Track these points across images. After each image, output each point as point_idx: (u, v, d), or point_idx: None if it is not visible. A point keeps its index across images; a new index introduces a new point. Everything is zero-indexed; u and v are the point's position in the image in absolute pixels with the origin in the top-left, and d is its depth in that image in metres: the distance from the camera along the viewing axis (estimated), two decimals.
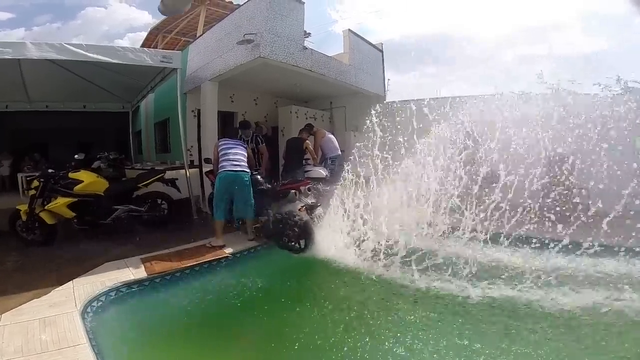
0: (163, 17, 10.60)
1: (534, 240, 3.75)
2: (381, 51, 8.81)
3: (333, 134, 8.20)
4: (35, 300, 2.77)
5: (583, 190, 5.13)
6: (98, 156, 9.14)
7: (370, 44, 8.38)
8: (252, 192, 4.31)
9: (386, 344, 2.41)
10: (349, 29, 7.48)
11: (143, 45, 12.47)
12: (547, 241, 3.61)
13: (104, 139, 10.82)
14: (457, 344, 2.37)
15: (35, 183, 4.43)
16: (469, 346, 2.32)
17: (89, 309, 2.76)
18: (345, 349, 2.36)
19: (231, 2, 9.66)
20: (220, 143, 4.49)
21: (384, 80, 8.87)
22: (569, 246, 3.29)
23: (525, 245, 3.77)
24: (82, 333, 2.32)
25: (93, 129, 10.53)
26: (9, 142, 9.92)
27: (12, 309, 2.62)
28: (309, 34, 10.72)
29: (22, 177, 8.33)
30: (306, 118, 8.16)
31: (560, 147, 4.69)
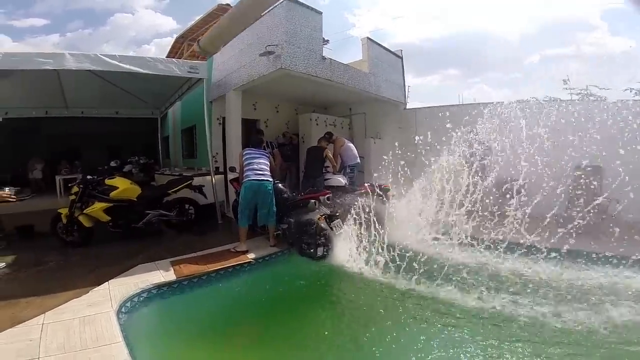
0: (187, 24, 11.02)
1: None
2: (400, 57, 8.83)
3: (352, 140, 8.34)
4: (74, 299, 2.99)
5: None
6: (129, 160, 9.65)
7: (389, 50, 8.43)
8: (274, 200, 4.50)
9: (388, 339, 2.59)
10: (368, 37, 7.56)
11: (170, 53, 13.01)
12: None
13: (133, 143, 11.36)
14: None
15: (75, 189, 4.78)
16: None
17: (123, 309, 2.97)
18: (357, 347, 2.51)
19: None
20: (244, 152, 4.70)
21: (404, 86, 8.88)
22: None
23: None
24: (118, 332, 2.50)
25: (124, 134, 11.09)
26: (45, 146, 10.57)
27: (54, 307, 2.83)
28: (327, 41, 10.85)
29: (59, 179, 8.94)
30: (326, 125, 8.30)
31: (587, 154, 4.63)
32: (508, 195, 4.27)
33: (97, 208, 4.63)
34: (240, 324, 3.06)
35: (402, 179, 5.07)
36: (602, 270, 3.55)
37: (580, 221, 3.57)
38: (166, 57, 13.09)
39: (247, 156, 4.61)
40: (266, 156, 4.70)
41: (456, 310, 2.98)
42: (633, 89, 8.68)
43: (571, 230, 3.55)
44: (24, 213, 5.61)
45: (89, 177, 4.84)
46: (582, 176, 5.19)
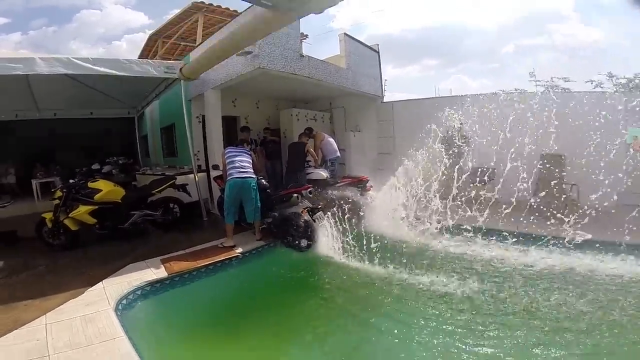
0: (161, 19, 10.84)
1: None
2: (377, 52, 9.07)
3: (334, 134, 8.58)
4: (72, 300, 3.10)
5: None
6: (107, 161, 9.54)
7: (366, 45, 8.64)
8: (258, 195, 4.69)
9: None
10: (345, 33, 7.74)
11: (143, 51, 12.71)
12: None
13: (110, 144, 11.17)
14: None
15: (59, 193, 4.80)
16: None
17: (120, 306, 3.11)
18: (338, 332, 2.82)
19: (228, 9, 9.88)
20: (226, 151, 4.87)
21: (381, 80, 9.15)
22: None
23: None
24: (119, 327, 2.66)
25: (99, 134, 10.86)
26: (17, 150, 10.25)
27: (53, 309, 2.93)
28: (306, 35, 11.00)
29: (36, 183, 8.77)
30: (307, 120, 8.48)
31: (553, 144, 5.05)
32: (477, 179, 4.66)
33: (83, 211, 4.68)
34: (232, 314, 3.28)
35: (381, 169, 5.36)
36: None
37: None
38: (140, 55, 12.84)
39: (229, 155, 4.77)
40: (247, 154, 4.88)
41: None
42: (594, 81, 9.32)
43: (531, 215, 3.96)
44: (2, 219, 5.57)
45: (71, 181, 4.87)
46: (546, 164, 5.65)
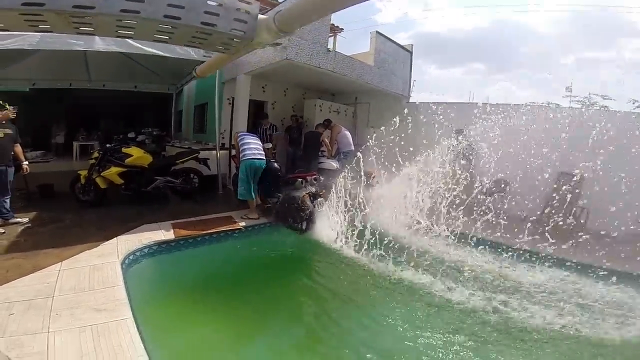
0: None
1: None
2: (410, 52, 9.05)
3: (355, 129, 8.71)
4: (87, 251, 3.49)
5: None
6: (142, 131, 10.24)
7: (398, 45, 8.64)
8: (270, 177, 5.07)
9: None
10: (377, 31, 7.80)
11: None
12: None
13: (148, 116, 11.97)
14: None
15: (96, 154, 5.40)
16: None
17: (126, 261, 3.48)
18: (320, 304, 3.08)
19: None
20: (240, 135, 5.27)
21: (410, 81, 9.12)
22: None
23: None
24: (120, 278, 2.99)
25: (140, 107, 11.68)
26: (66, 114, 11.20)
27: (69, 257, 3.30)
28: (342, 29, 11.08)
29: (77, 145, 9.62)
30: (330, 112, 8.66)
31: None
32: (485, 192, 4.67)
33: (113, 172, 5.22)
34: (224, 280, 3.60)
35: (392, 166, 5.46)
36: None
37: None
38: None
39: (244, 138, 5.16)
40: (257, 137, 5.32)
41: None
42: (636, 100, 8.76)
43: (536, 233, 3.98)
44: (44, 173, 6.18)
45: (108, 145, 5.40)
46: (564, 183, 5.49)
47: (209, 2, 2.95)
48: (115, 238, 3.87)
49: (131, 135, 9.07)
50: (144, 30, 3.11)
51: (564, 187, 5.23)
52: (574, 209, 5.37)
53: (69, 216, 4.71)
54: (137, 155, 5.48)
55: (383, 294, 3.33)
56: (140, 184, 5.49)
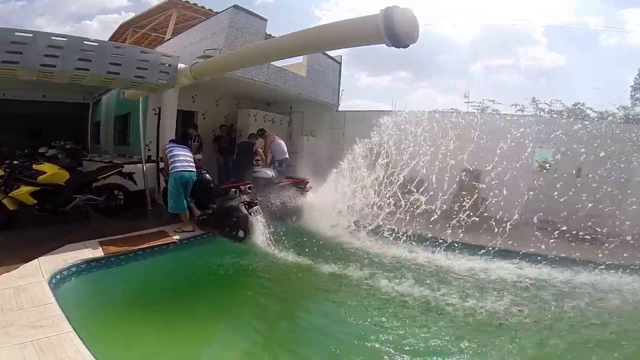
0: (139, 3, 10.76)
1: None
2: (339, 63, 9.72)
3: (291, 137, 9.03)
4: (5, 274, 3.19)
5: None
6: (52, 145, 9.29)
7: (329, 56, 9.22)
8: (202, 188, 5.05)
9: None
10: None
11: (111, 38, 12.47)
12: None
13: (59, 128, 10.83)
14: None
15: (1, 172, 4.81)
16: None
17: (54, 280, 3.27)
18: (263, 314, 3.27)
19: (203, 7, 10.07)
20: (168, 146, 5.18)
21: (339, 90, 9.77)
22: None
23: None
24: (51, 296, 2.85)
25: (48, 118, 10.52)
26: None
27: None
28: None
29: None
30: (264, 121, 8.86)
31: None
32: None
33: (24, 192, 4.73)
34: (161, 294, 3.58)
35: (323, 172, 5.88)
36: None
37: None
38: (109, 39, 12.56)
39: (172, 149, 5.07)
40: (187, 148, 5.29)
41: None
42: (519, 104, 10.56)
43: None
44: None
45: (15, 162, 4.90)
46: (464, 179, 6.43)
47: (138, 59, 4.18)
48: (36, 259, 3.58)
49: (42, 150, 8.21)
50: (92, 80, 4.39)
51: (466, 182, 6.18)
52: (475, 199, 6.28)
53: None
54: (51, 172, 5.04)
55: (317, 290, 3.65)
56: (57, 204, 5.07)
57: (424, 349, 2.72)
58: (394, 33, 2.27)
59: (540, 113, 10.47)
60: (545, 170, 7.18)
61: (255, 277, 4.00)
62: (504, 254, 4.53)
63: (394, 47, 2.37)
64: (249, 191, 5.08)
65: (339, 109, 9.80)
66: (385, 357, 2.56)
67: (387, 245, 4.82)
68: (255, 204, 4.95)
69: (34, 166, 4.98)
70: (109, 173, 5.55)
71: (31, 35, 3.61)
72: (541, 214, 5.42)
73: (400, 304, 3.37)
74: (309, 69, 8.23)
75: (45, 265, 3.46)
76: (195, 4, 10.03)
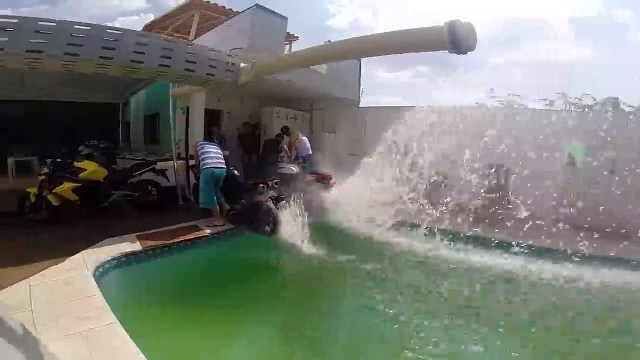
0: (157, 4, 11.08)
1: None
2: (359, 60, 9.67)
3: (312, 134, 9.11)
4: (53, 267, 3.44)
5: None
6: (87, 143, 9.74)
7: None
8: (230, 184, 5.21)
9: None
10: (329, 40, 8.26)
11: None
12: None
13: (91, 127, 11.33)
14: None
15: (45, 170, 5.14)
16: None
17: (97, 273, 3.49)
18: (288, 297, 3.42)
19: (223, 7, 10.28)
20: (199, 144, 5.34)
21: (359, 86, 9.75)
22: None
23: None
24: (95, 288, 3.06)
25: (82, 118, 11.01)
26: None
27: (36, 273, 3.25)
28: (297, 37, 11.50)
29: (12, 161, 8.90)
30: (287, 118, 8.99)
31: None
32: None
33: (67, 188, 5.05)
34: (194, 285, 3.80)
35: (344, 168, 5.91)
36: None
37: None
38: None
39: (204, 147, 5.25)
40: (218, 145, 5.44)
41: None
42: (547, 98, 10.14)
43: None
44: None
45: (58, 160, 5.21)
46: (493, 174, 6.31)
47: (209, 57, 4.52)
48: (80, 253, 3.82)
49: (80, 148, 8.63)
50: (171, 76, 4.77)
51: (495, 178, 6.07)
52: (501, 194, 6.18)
53: (22, 236, 4.51)
54: (91, 169, 5.35)
55: (342, 284, 3.71)
56: (97, 199, 5.36)
57: None
58: (458, 43, 2.71)
59: (570, 107, 10.03)
60: (576, 166, 6.94)
61: (282, 271, 4.13)
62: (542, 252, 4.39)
63: (455, 54, 2.82)
64: (276, 187, 5.21)
65: (360, 106, 9.78)
66: None
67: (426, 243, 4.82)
68: (282, 199, 5.07)
69: (75, 164, 5.29)
70: (144, 170, 5.83)
71: (120, 32, 3.97)
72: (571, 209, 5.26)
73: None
74: (329, 66, 8.25)
75: (89, 259, 3.68)
76: (216, 4, 10.25)
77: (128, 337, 2.34)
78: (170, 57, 4.18)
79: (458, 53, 2.79)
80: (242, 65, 4.81)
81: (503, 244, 4.58)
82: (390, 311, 3.12)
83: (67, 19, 3.72)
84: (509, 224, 4.87)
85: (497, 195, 5.76)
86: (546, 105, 10.47)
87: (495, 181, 6.37)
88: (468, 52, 2.80)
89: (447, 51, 2.84)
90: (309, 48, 4.28)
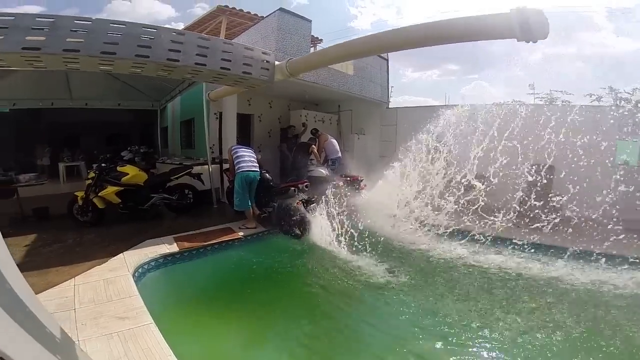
0: (186, 13, 11.45)
1: None
2: (386, 59, 9.53)
3: (340, 136, 9.08)
4: (97, 267, 3.66)
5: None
6: (129, 149, 10.31)
7: None
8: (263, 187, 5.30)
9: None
10: None
11: None
12: None
13: (133, 133, 12.01)
14: None
15: (92, 174, 5.50)
16: None
17: (137, 273, 3.68)
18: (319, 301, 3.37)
19: (249, 12, 10.50)
20: (234, 148, 5.47)
21: (388, 87, 9.60)
22: None
23: None
24: (134, 289, 3.20)
25: (123, 124, 11.71)
26: (46, 135, 11.07)
27: (81, 273, 3.47)
28: (321, 40, 11.52)
29: (62, 166, 9.58)
30: (315, 121, 9.02)
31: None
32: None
33: (110, 191, 5.36)
34: (229, 285, 3.87)
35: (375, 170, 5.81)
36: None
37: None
38: None
39: (238, 151, 5.37)
40: (251, 150, 5.53)
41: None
42: (593, 94, 9.49)
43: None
44: (33, 197, 6.25)
45: (103, 164, 5.54)
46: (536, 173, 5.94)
47: (244, 55, 4.34)
48: (122, 254, 4.04)
49: (123, 153, 9.17)
50: (207, 75, 4.49)
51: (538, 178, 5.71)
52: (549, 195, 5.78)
53: (70, 237, 4.80)
54: (132, 173, 5.64)
55: (370, 292, 3.64)
56: (137, 202, 5.65)
57: None
58: (529, 30, 2.55)
59: (620, 103, 9.28)
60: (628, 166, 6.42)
61: (313, 274, 4.10)
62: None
63: (524, 42, 2.65)
64: (306, 189, 5.24)
65: (390, 106, 9.62)
66: None
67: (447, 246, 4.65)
68: (313, 202, 5.10)
69: (117, 168, 5.59)
70: (182, 174, 6.05)
71: (156, 30, 3.85)
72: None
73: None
74: (356, 67, 8.20)
75: (129, 259, 3.88)
76: (242, 10, 10.50)
77: (162, 337, 2.43)
78: (205, 56, 4.01)
79: (528, 41, 2.64)
80: (276, 63, 4.60)
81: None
82: None
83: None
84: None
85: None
86: (593, 100, 9.80)
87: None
88: (539, 41, 2.63)
89: (515, 39, 2.64)
90: (349, 41, 3.93)
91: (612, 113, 6.15)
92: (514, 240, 4.54)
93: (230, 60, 4.17)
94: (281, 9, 6.19)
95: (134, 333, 2.48)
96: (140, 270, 3.79)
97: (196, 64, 3.94)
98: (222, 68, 4.14)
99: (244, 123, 8.86)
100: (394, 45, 3.66)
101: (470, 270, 4.08)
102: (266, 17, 6.73)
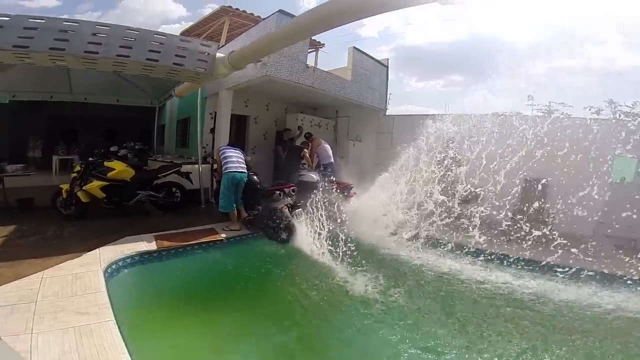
0: (196, 13, 11.52)
1: None
2: (386, 67, 9.49)
3: (336, 142, 9.01)
4: (69, 261, 3.57)
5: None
6: (124, 145, 10.28)
7: (375, 60, 9.06)
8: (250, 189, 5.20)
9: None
10: (354, 47, 8.19)
11: None
12: None
13: (130, 129, 11.98)
14: None
15: (78, 167, 5.45)
16: None
17: (109, 270, 3.56)
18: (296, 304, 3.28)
19: (252, 14, 10.53)
20: (222, 149, 5.40)
21: (386, 94, 9.54)
22: None
23: None
24: (102, 284, 3.10)
25: (121, 120, 11.68)
26: (45, 127, 11.06)
27: (52, 266, 3.39)
28: (323, 44, 11.51)
29: (56, 159, 9.53)
30: (311, 125, 8.95)
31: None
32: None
33: (95, 186, 5.29)
34: (205, 288, 3.73)
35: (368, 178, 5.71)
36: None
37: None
38: None
39: (225, 152, 5.29)
40: (240, 151, 5.45)
41: None
42: (592, 107, 9.42)
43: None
44: (22, 188, 6.17)
45: (90, 159, 5.48)
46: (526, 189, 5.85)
47: (177, 46, 4.30)
48: (98, 249, 3.94)
49: (114, 149, 9.12)
50: (133, 68, 4.53)
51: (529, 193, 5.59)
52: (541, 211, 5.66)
53: (51, 229, 4.73)
54: (119, 169, 5.57)
55: (345, 298, 3.52)
56: (123, 198, 5.56)
57: None
58: None
59: (620, 116, 9.19)
60: (625, 183, 6.30)
61: (293, 279, 3.98)
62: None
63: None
64: (293, 194, 5.14)
65: (387, 114, 9.55)
66: None
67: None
68: (299, 207, 4.99)
69: (104, 163, 5.53)
70: (169, 172, 5.97)
71: (77, 24, 3.89)
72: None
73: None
74: (354, 73, 8.15)
75: (104, 255, 3.78)
76: (245, 11, 10.54)
77: (119, 335, 2.33)
78: (130, 47, 4.03)
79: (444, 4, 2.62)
80: (218, 55, 4.55)
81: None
82: None
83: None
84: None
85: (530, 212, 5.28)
86: (592, 113, 9.70)
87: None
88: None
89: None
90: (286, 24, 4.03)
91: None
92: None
93: (159, 52, 4.17)
94: (280, 11, 6.15)
95: (91, 329, 2.38)
96: (113, 266, 3.68)
97: (118, 55, 3.96)
98: (148, 59, 4.13)
99: (240, 124, 8.81)
100: (319, 23, 3.46)
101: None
102: (265, 18, 6.70)
